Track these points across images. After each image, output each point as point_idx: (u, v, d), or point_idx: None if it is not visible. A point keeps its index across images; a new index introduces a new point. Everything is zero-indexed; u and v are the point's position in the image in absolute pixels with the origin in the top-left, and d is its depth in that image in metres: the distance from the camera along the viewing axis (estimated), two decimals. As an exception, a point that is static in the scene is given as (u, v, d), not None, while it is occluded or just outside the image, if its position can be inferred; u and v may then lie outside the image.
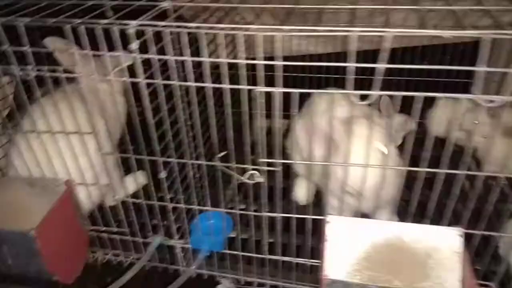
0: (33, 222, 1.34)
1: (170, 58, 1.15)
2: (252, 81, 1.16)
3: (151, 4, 1.29)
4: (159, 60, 1.18)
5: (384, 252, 1.27)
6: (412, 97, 1.08)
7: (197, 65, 1.17)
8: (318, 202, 1.78)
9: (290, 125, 2.03)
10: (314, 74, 2.44)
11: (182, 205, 1.48)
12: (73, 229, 1.57)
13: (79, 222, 1.61)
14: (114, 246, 1.73)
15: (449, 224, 1.24)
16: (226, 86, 1.17)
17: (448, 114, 2.15)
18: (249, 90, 1.16)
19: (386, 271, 1.25)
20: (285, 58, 2.52)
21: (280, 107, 1.17)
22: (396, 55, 2.27)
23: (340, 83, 2.22)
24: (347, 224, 1.31)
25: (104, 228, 1.67)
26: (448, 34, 0.97)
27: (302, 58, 2.43)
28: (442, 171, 1.19)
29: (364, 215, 1.55)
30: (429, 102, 2.26)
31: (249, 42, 2.55)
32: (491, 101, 1.03)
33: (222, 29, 1.07)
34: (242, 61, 1.10)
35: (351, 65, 1.05)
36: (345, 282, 1.22)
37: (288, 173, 2.02)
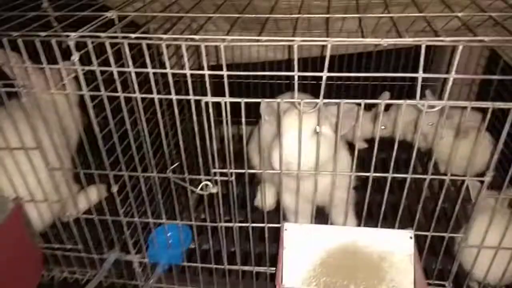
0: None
1: (113, 69, 1.12)
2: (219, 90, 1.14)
3: (96, 14, 1.26)
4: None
5: (339, 257, 1.27)
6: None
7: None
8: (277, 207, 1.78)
9: (253, 132, 2.03)
10: (275, 81, 2.45)
11: (136, 219, 1.44)
12: (23, 248, 1.50)
13: (30, 241, 1.54)
14: (70, 263, 1.67)
15: (405, 227, 1.26)
16: (173, 96, 1.15)
17: (405, 118, 2.20)
18: (199, 101, 1.14)
19: (342, 276, 1.26)
20: (246, 65, 2.53)
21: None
22: (353, 59, 2.34)
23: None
24: (304, 231, 1.32)
25: (58, 246, 1.61)
26: (387, 42, 0.99)
27: (263, 64, 2.45)
28: (387, 175, 1.20)
29: (324, 217, 1.57)
30: (387, 106, 2.32)
31: (208, 50, 2.54)
32: (432, 107, 1.06)
33: (163, 39, 1.05)
34: (186, 71, 1.08)
35: (295, 74, 1.05)
36: (301, 290, 1.22)
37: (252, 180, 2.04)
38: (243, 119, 1.14)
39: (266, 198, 1.94)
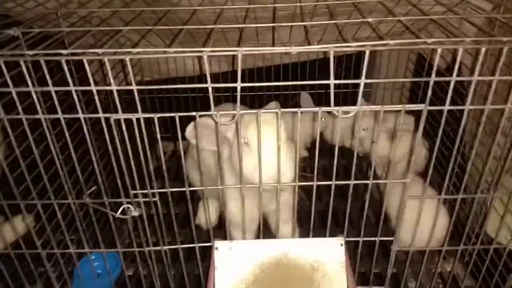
0: None
1: (11, 89, 1.03)
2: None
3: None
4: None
5: (272, 272, 1.23)
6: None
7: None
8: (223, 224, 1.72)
9: (186, 148, 1.97)
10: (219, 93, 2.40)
11: (56, 251, 1.33)
12: None
13: None
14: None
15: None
16: (81, 115, 1.07)
17: (342, 124, 2.23)
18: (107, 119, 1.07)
19: (275, 292, 1.22)
20: (181, 79, 2.46)
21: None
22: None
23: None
24: (236, 248, 1.27)
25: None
26: (296, 50, 0.97)
27: (199, 78, 2.40)
28: (330, 183, 1.18)
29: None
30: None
31: (141, 64, 2.46)
32: (347, 112, 1.05)
33: (63, 55, 0.97)
34: (92, 88, 1.01)
35: (209, 85, 1.02)
36: (232, 311, 1.17)
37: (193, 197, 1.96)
38: (158, 135, 1.08)
39: (204, 216, 1.89)
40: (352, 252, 1.34)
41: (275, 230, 1.56)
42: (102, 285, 1.41)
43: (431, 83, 1.02)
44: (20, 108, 1.06)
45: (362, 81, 1.00)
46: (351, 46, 0.98)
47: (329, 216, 1.27)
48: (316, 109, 1.04)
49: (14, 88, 1.04)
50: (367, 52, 0.96)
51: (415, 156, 1.15)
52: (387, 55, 2.36)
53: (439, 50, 0.97)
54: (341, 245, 1.23)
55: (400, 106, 1.07)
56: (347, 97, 2.29)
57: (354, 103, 1.06)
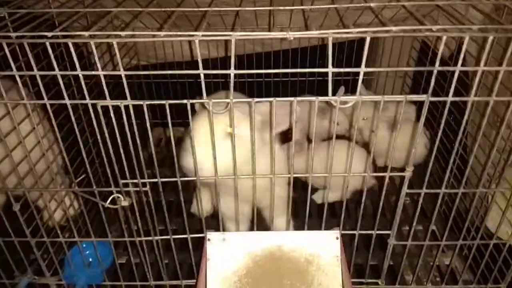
0: None
1: None
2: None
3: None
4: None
5: (266, 264, 1.21)
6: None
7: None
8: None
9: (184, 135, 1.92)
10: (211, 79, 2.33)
11: (45, 239, 1.30)
12: None
13: None
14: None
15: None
16: (67, 101, 1.02)
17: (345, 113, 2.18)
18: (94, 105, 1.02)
19: (268, 285, 1.19)
20: (178, 64, 2.40)
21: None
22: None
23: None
24: (228, 240, 1.24)
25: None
26: (293, 35, 0.92)
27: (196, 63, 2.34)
28: (326, 175, 1.14)
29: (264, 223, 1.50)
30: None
31: (136, 49, 2.40)
32: (346, 102, 1.01)
33: (46, 37, 0.92)
34: (78, 72, 0.96)
35: (201, 72, 0.97)
36: (224, 303, 1.14)
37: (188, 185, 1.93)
38: (147, 122, 1.03)
39: (201, 204, 1.85)
40: (348, 244, 1.31)
41: (269, 222, 1.53)
42: (93, 274, 1.39)
43: (435, 72, 0.97)
44: (4, 93, 1.02)
45: (362, 69, 0.95)
46: (352, 33, 0.93)
47: (325, 208, 1.24)
48: (313, 98, 0.99)
49: (-1, 72, 1.00)
50: (368, 39, 0.91)
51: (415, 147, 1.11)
52: (390, 42, 2.29)
53: (444, 38, 0.92)
54: (337, 238, 1.20)
55: (402, 96, 1.02)
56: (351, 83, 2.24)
57: (354, 91, 1.01)
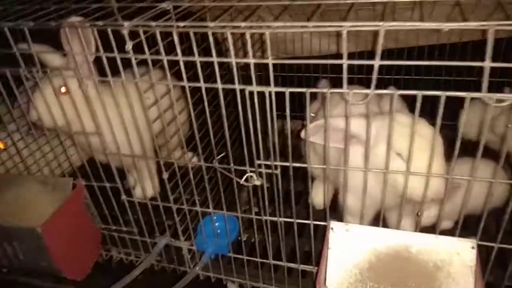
0: (42, 219, 1.39)
1: (163, 57, 1.14)
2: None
3: (153, 5, 1.30)
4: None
5: (389, 262, 1.18)
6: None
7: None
8: (335, 206, 1.70)
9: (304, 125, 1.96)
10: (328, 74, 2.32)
11: (184, 207, 1.47)
12: (83, 228, 1.61)
13: (90, 221, 1.64)
14: (126, 245, 1.75)
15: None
16: (219, 86, 1.14)
17: (478, 116, 1.98)
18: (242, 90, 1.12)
19: (390, 283, 1.16)
20: (306, 59, 2.45)
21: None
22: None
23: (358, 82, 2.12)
24: (352, 232, 1.24)
25: (115, 228, 1.69)
26: (448, 26, 0.88)
27: (323, 58, 2.36)
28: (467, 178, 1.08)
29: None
30: (460, 104, 2.10)
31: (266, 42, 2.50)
32: (501, 101, 0.93)
33: (209, 27, 1.04)
34: (232, 60, 1.06)
35: (346, 62, 0.99)
36: (344, 293, 1.16)
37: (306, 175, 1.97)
38: (288, 110, 1.09)
39: (318, 196, 1.89)
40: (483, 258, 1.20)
41: (394, 223, 1.48)
42: (220, 245, 1.52)
43: None
44: (169, 75, 1.17)
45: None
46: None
47: (461, 216, 1.16)
48: (439, 93, 0.93)
49: (166, 57, 1.15)
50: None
51: None
52: None
53: None
54: (473, 248, 1.11)
55: None
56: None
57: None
